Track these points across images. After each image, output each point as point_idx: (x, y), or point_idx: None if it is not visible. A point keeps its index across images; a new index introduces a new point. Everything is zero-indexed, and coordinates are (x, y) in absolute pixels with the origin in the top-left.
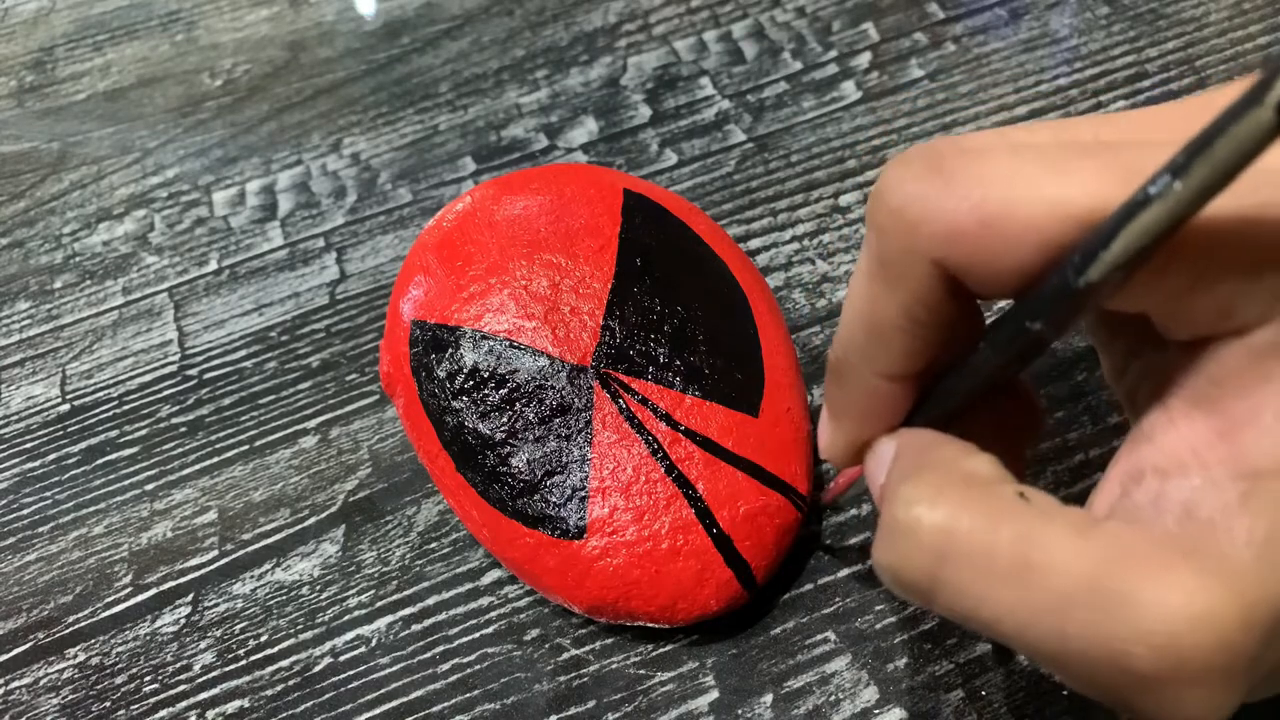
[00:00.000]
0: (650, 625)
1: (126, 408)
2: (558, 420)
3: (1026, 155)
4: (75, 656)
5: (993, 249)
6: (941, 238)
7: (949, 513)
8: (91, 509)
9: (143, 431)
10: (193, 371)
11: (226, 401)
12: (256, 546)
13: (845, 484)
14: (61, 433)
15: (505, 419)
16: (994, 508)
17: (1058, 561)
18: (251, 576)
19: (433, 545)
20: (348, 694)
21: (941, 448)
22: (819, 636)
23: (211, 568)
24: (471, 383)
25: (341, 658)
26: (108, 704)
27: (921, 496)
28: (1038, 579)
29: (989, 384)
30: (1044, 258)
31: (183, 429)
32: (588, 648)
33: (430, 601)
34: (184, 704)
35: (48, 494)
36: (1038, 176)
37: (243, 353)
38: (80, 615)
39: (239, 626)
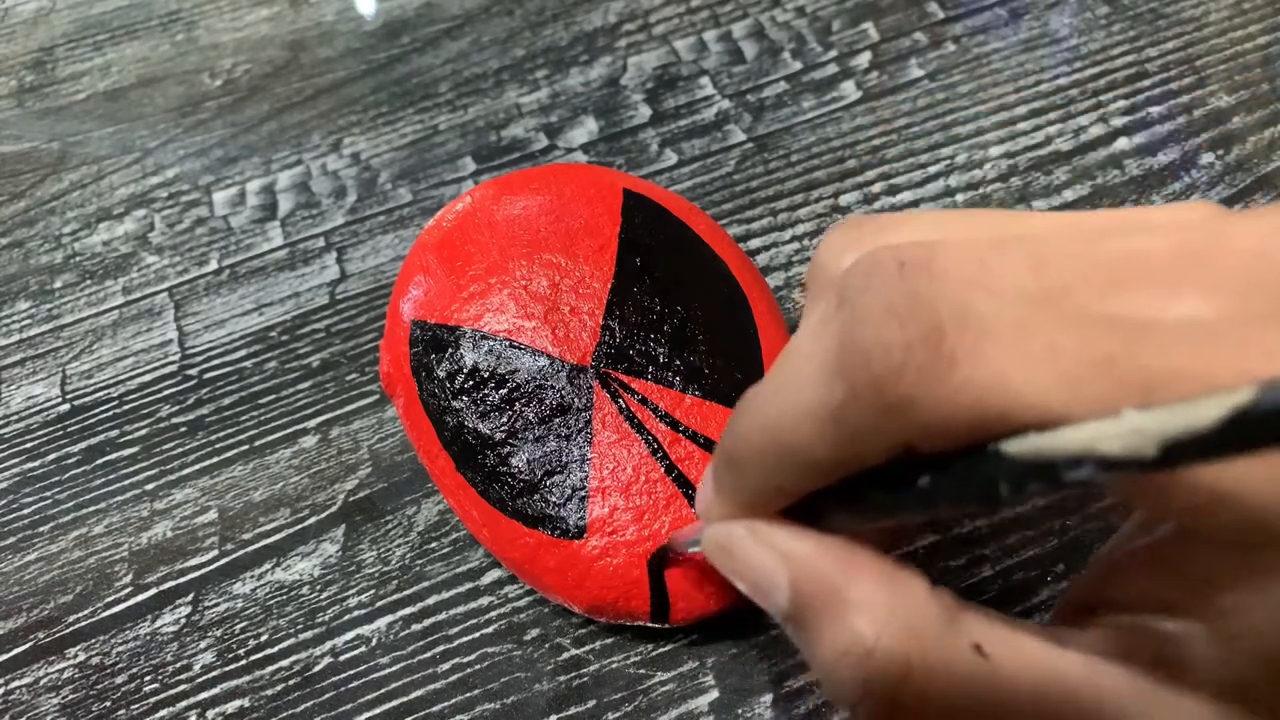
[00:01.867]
0: (650, 625)
1: (126, 407)
2: (558, 420)
3: (1035, 344)
4: (75, 656)
5: (968, 438)
6: (924, 429)
7: (910, 679)
8: (92, 509)
9: (143, 431)
10: (193, 371)
11: (226, 401)
12: (256, 546)
13: (690, 536)
14: (61, 432)
15: (505, 419)
16: (954, 670)
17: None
18: (251, 576)
19: (433, 545)
20: (348, 694)
21: (879, 579)
22: None
23: (212, 567)
24: (471, 382)
25: (341, 657)
26: (108, 704)
27: (879, 652)
28: None
29: (916, 519)
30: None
31: (183, 429)
32: (588, 647)
33: (430, 601)
34: (184, 704)
35: (48, 494)
36: (1048, 388)
37: (243, 352)
38: (80, 615)
39: (239, 626)
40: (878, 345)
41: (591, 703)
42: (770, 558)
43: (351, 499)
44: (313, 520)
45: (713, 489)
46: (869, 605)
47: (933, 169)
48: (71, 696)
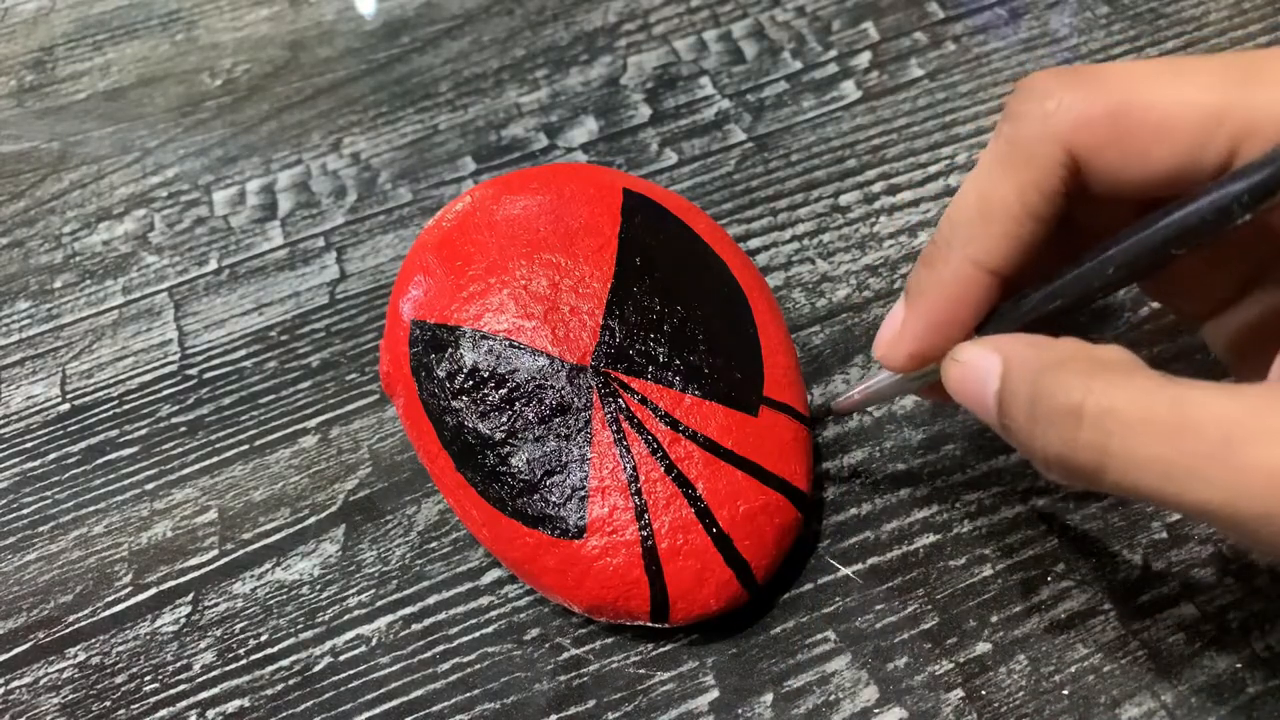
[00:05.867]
0: (650, 625)
1: (126, 407)
2: (557, 420)
3: (1152, 65)
4: (75, 656)
5: (1121, 142)
6: (1075, 123)
7: (1108, 394)
8: (91, 508)
9: (143, 431)
10: (193, 371)
11: (226, 401)
12: (256, 546)
13: (867, 395)
14: (61, 432)
15: (505, 418)
16: (1144, 385)
17: (1213, 414)
18: (251, 576)
19: (433, 545)
20: (348, 693)
21: (1063, 344)
22: (819, 636)
23: (211, 567)
24: (471, 382)
25: (341, 657)
26: (108, 703)
27: (1076, 384)
28: (1194, 434)
29: (1089, 299)
30: (1168, 162)
31: (183, 428)
32: (588, 647)
33: (430, 601)
34: (184, 703)
35: (48, 493)
36: (1163, 77)
37: (243, 352)
38: (80, 615)
39: (239, 626)
40: (1032, 80)
41: (591, 703)
42: (979, 350)
43: (351, 499)
44: (313, 520)
45: (902, 309)
46: (1073, 361)
47: (933, 169)
48: (71, 696)
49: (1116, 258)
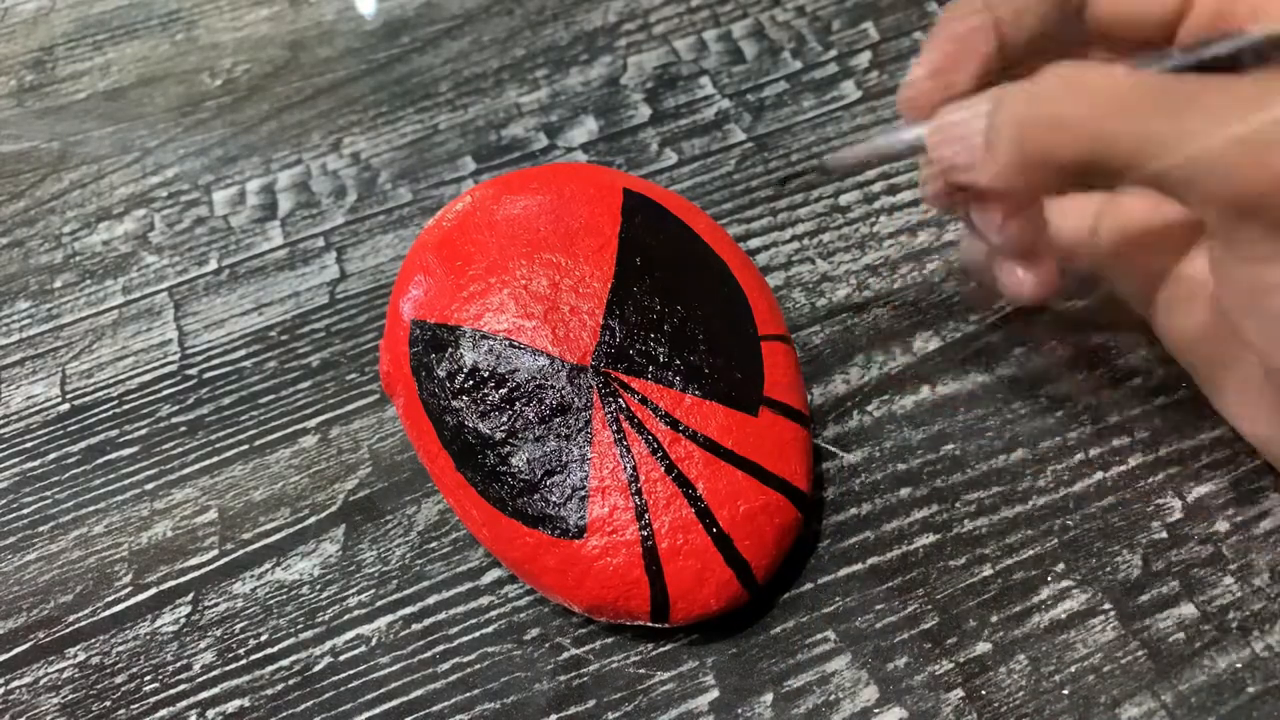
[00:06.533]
0: (650, 625)
1: (126, 407)
2: (557, 419)
3: None
4: (75, 656)
5: None
6: None
7: (1099, 68)
8: (91, 508)
9: (143, 431)
10: (193, 371)
11: (226, 401)
12: (256, 546)
13: (863, 153)
14: (61, 432)
15: (505, 418)
16: (1147, 73)
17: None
18: (251, 576)
19: (433, 544)
20: (348, 693)
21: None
22: (819, 636)
23: (211, 567)
24: (471, 382)
25: (341, 657)
26: (108, 703)
27: (1067, 67)
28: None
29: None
30: (1157, 13)
31: (183, 428)
32: (588, 647)
33: (430, 601)
34: (184, 703)
35: (48, 493)
36: None
37: (243, 352)
38: (80, 615)
39: (239, 626)
40: None
41: (591, 702)
42: (972, 99)
43: (351, 499)
44: (313, 520)
45: (926, 47)
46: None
47: None
48: (71, 696)
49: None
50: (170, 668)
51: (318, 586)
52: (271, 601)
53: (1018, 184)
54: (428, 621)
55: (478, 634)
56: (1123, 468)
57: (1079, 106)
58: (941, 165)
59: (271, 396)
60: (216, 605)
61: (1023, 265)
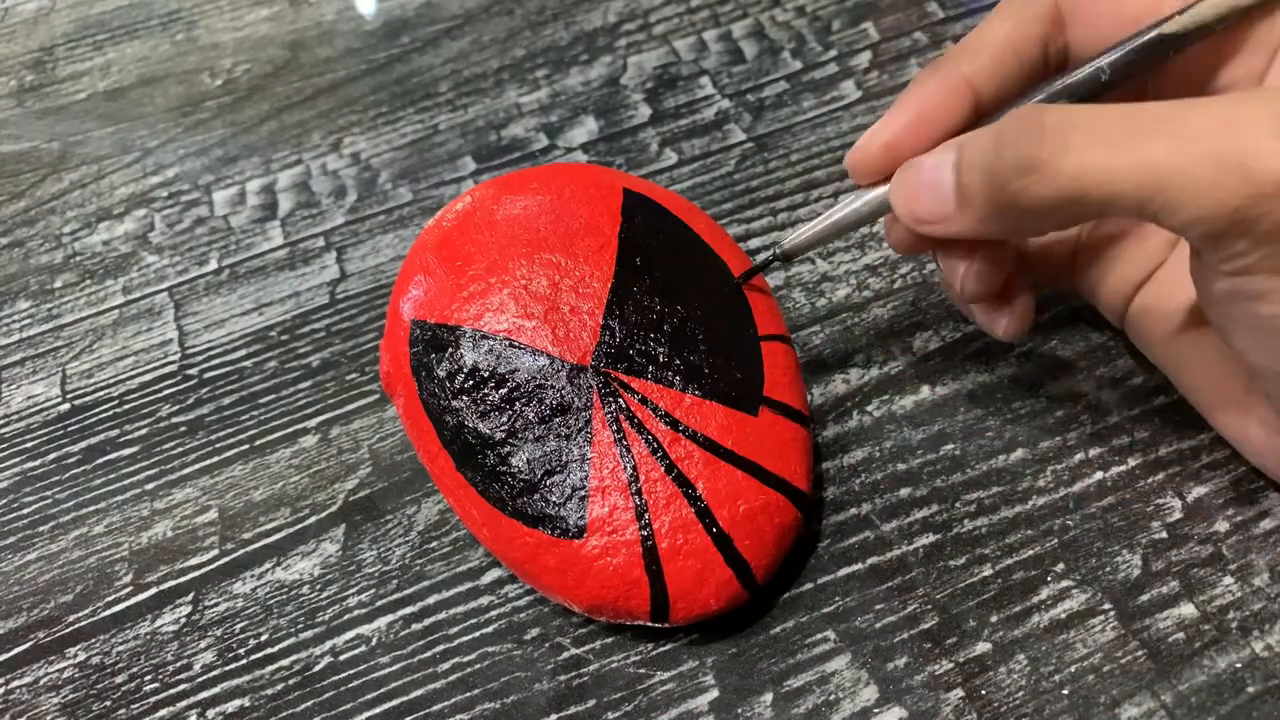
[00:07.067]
0: (650, 625)
1: (127, 407)
2: (557, 419)
3: None
4: (75, 656)
5: (1094, 5)
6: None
7: (1065, 110)
8: (92, 508)
9: (143, 431)
10: (193, 371)
11: (226, 401)
12: (257, 546)
13: (819, 231)
14: (62, 432)
15: (505, 418)
16: (1092, 106)
17: (1151, 106)
18: (252, 576)
19: (433, 544)
20: (348, 693)
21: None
22: (819, 636)
23: (212, 567)
24: (471, 382)
25: (342, 657)
26: (108, 703)
27: (1032, 112)
28: (1140, 112)
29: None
30: (1120, 31)
31: (183, 428)
32: (588, 647)
33: (430, 601)
34: (184, 703)
35: (48, 493)
36: None
37: (243, 352)
38: (80, 614)
39: (239, 626)
40: None
41: (591, 702)
42: (935, 150)
43: (351, 498)
44: (313, 520)
45: (894, 109)
46: (1026, 108)
47: None
48: (71, 696)
49: (1109, 58)
50: (170, 667)
51: (318, 586)
52: (272, 601)
53: (994, 232)
54: (428, 621)
55: (478, 634)
56: (1123, 468)
57: (1044, 148)
58: (907, 218)
59: (272, 396)
60: (217, 605)
61: (995, 307)
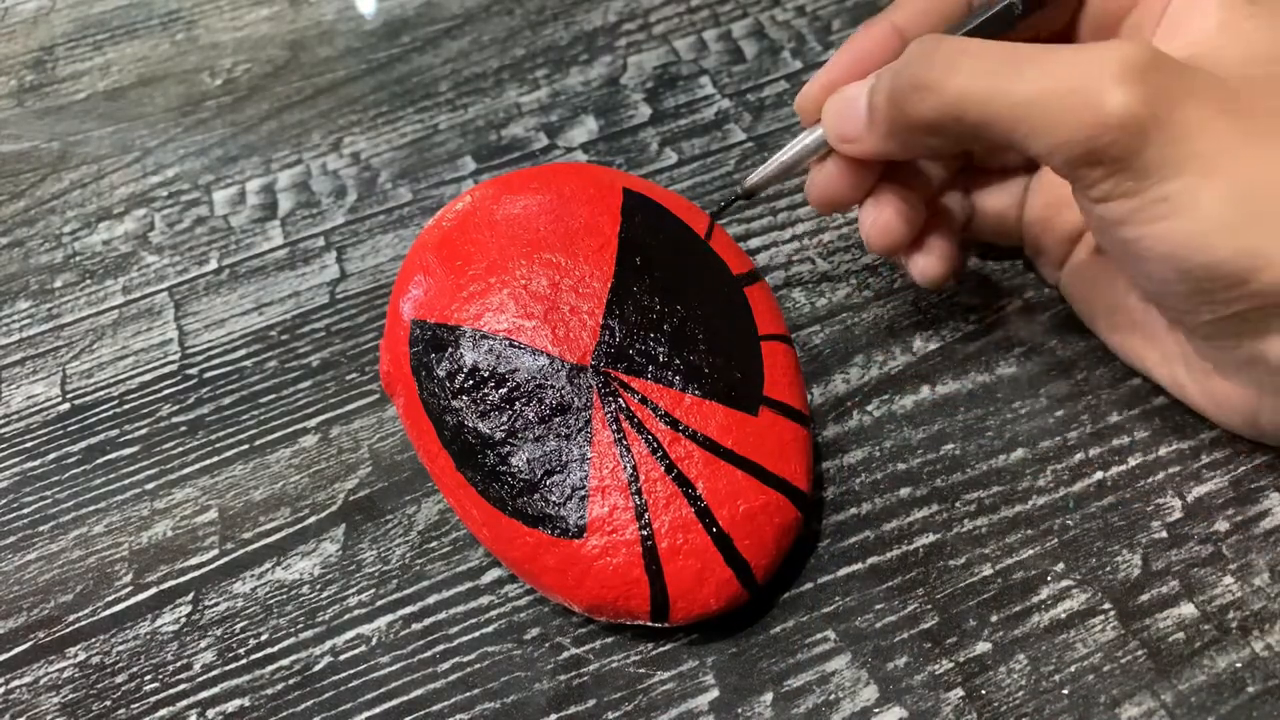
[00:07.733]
0: (650, 625)
1: (127, 407)
2: (557, 419)
3: None
4: (75, 655)
5: None
6: None
7: (955, 40)
8: (92, 508)
9: (143, 430)
10: (193, 371)
11: (227, 401)
12: (257, 545)
13: (774, 169)
14: (62, 432)
15: (505, 418)
16: (982, 41)
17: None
18: (252, 575)
19: (433, 544)
20: (348, 693)
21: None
22: (819, 636)
23: (212, 567)
24: (471, 382)
25: (342, 657)
26: (108, 703)
27: (930, 39)
28: (1018, 49)
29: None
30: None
31: (183, 428)
32: (588, 647)
33: (430, 600)
34: (184, 703)
35: (48, 493)
36: None
37: (243, 352)
38: (80, 614)
39: (239, 625)
40: None
41: (591, 702)
42: (857, 82)
43: (352, 498)
44: (313, 519)
45: (830, 63)
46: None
47: None
48: (71, 696)
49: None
50: (170, 667)
51: (318, 586)
52: (271, 601)
53: (894, 149)
54: (428, 621)
55: (478, 634)
56: (1123, 468)
57: (934, 70)
58: (833, 138)
59: (272, 396)
60: (217, 605)
61: (920, 253)
